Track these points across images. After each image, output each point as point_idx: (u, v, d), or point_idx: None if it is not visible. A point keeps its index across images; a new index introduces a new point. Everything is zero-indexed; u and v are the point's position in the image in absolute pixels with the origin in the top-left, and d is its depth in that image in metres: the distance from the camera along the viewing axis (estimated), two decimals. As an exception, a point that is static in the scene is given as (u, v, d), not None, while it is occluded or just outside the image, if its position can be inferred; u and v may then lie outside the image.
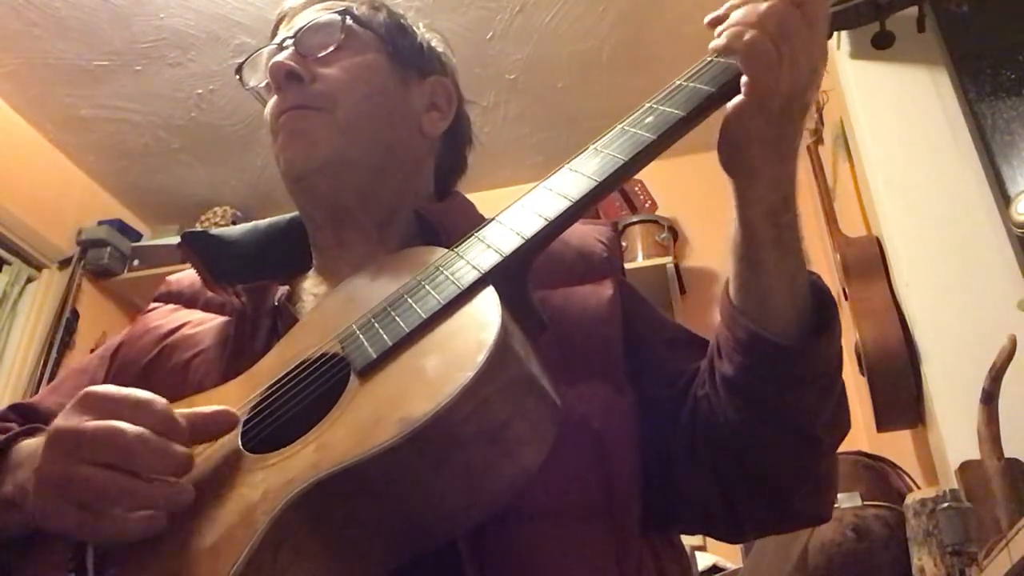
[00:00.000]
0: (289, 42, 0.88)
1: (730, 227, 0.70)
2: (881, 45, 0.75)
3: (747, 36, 0.63)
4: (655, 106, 0.69)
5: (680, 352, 0.81)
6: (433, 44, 0.98)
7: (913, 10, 0.75)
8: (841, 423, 0.73)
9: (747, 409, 0.69)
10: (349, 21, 0.88)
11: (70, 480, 0.57)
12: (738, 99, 0.65)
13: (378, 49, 0.90)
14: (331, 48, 0.87)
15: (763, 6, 0.64)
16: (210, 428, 0.62)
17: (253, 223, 0.96)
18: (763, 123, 0.64)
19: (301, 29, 0.88)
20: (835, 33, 2.03)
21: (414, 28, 0.96)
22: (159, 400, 0.60)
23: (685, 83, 0.69)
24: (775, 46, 0.62)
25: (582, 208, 0.66)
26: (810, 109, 0.66)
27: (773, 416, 0.68)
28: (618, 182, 0.67)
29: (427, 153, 0.94)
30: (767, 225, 0.66)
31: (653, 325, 0.85)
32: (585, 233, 0.88)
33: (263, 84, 0.92)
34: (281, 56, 0.86)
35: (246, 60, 0.94)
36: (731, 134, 0.66)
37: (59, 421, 0.60)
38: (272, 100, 0.88)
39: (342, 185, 0.85)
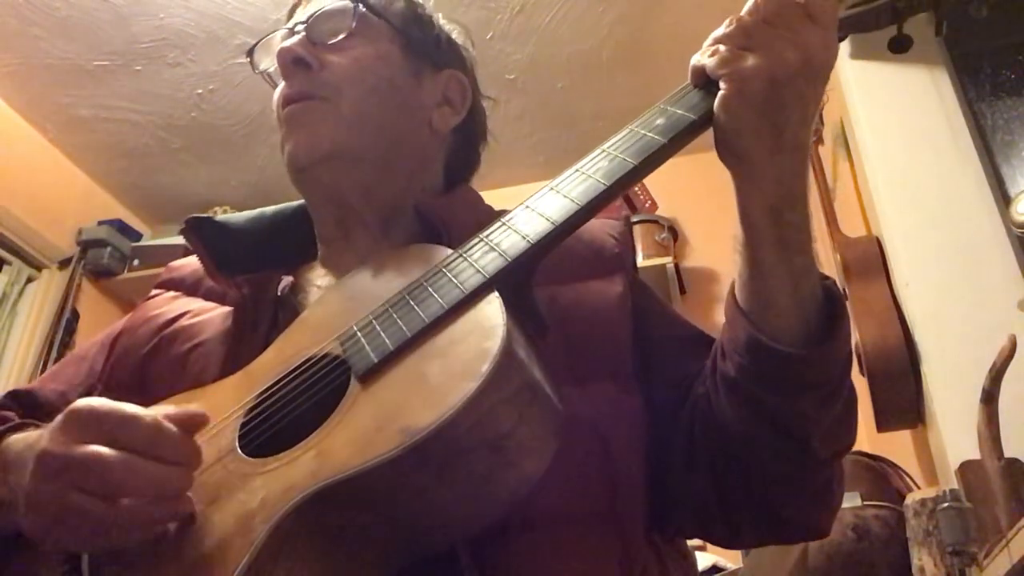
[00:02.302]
0: (301, 27, 0.86)
1: (734, 224, 0.68)
2: (899, 49, 0.72)
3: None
4: (667, 108, 0.67)
5: (688, 351, 0.79)
6: (453, 36, 0.95)
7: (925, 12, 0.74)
8: (842, 436, 0.70)
9: (744, 411, 0.67)
10: (362, 9, 0.86)
11: (61, 508, 0.56)
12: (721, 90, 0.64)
13: (391, 39, 0.88)
14: (341, 36, 0.85)
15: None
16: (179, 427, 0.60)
17: (259, 210, 0.94)
18: (749, 113, 0.62)
19: (313, 15, 0.86)
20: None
21: (432, 19, 0.93)
22: (148, 416, 0.58)
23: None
24: (732, 39, 0.63)
25: (589, 212, 0.64)
26: (809, 100, 0.63)
27: (768, 421, 0.66)
28: (627, 186, 0.65)
29: (436, 149, 0.92)
30: (768, 223, 0.64)
31: (663, 323, 0.83)
32: (596, 227, 0.86)
33: (273, 68, 0.89)
34: (290, 42, 0.85)
35: (258, 43, 0.92)
36: (722, 126, 0.64)
37: (47, 443, 0.58)
38: (279, 88, 0.87)
39: (344, 178, 0.84)
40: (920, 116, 1.97)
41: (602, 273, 0.81)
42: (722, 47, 0.63)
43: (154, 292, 0.93)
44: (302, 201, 0.93)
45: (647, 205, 3.00)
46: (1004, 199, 1.81)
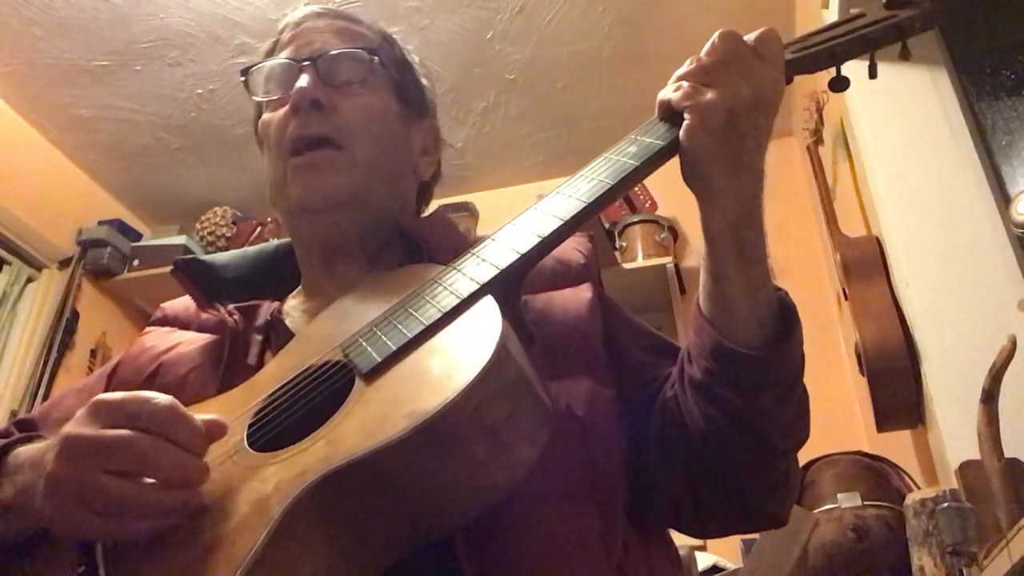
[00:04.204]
0: (308, 65, 0.89)
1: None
2: (837, 88, 0.80)
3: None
4: (637, 137, 0.75)
5: (655, 357, 0.85)
6: (424, 81, 1.00)
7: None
8: (797, 430, 0.76)
9: (710, 410, 0.73)
10: (376, 60, 0.91)
11: (84, 487, 0.58)
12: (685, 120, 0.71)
13: (391, 89, 0.93)
14: (355, 84, 0.90)
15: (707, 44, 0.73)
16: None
17: (241, 250, 1.00)
18: (710, 140, 0.69)
19: (324, 55, 0.89)
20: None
21: (415, 66, 0.99)
22: (169, 402, 0.61)
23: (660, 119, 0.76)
24: (693, 76, 0.71)
25: (573, 227, 0.70)
26: (762, 129, 0.70)
27: (732, 418, 0.72)
28: (605, 204, 0.72)
29: (414, 192, 0.98)
30: (728, 239, 0.70)
31: (630, 331, 0.88)
32: (564, 243, 0.90)
33: (273, 98, 0.92)
34: (306, 82, 0.87)
35: (253, 67, 0.94)
36: (685, 151, 0.71)
37: (72, 427, 0.61)
38: (276, 116, 0.89)
39: (349, 222, 0.88)
40: (920, 116, 1.97)
41: (570, 282, 0.87)
42: (685, 83, 0.71)
43: (148, 329, 0.97)
44: (280, 241, 0.99)
45: (647, 205, 3.01)
46: (1004, 199, 1.81)
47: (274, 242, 1.00)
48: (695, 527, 0.81)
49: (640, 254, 2.80)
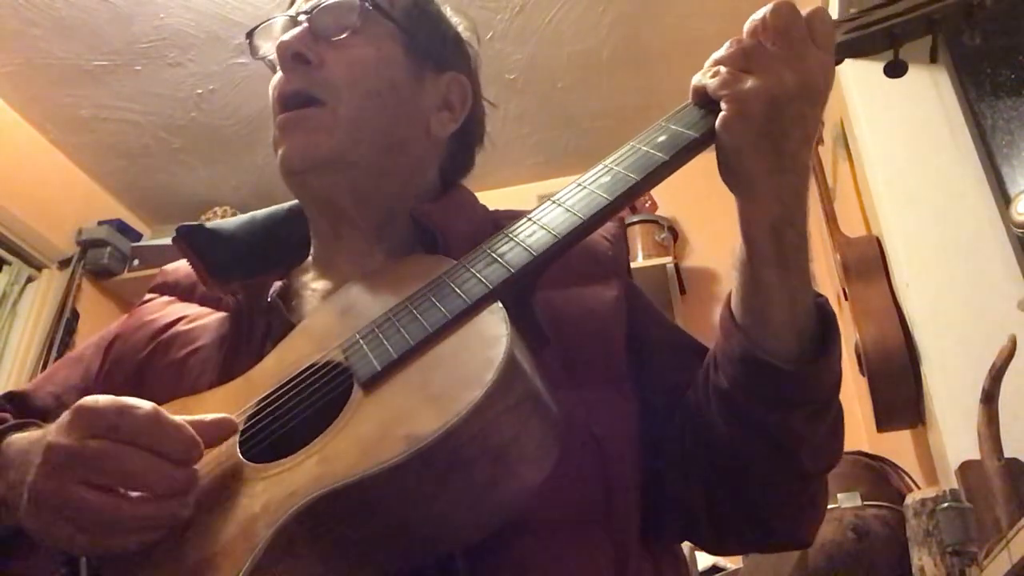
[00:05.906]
0: (303, 18, 0.83)
1: (733, 231, 0.68)
2: (895, 74, 0.73)
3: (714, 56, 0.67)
4: (669, 125, 0.68)
5: (681, 359, 0.79)
6: (459, 31, 0.93)
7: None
8: (830, 452, 0.71)
9: (735, 423, 0.68)
10: (368, 6, 0.83)
11: (65, 501, 0.56)
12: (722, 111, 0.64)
13: (395, 39, 0.85)
14: (345, 34, 0.82)
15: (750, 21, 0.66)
16: (209, 436, 0.60)
17: (251, 215, 0.92)
18: (750, 133, 0.63)
19: (317, 6, 0.83)
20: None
21: (439, 15, 0.91)
22: (151, 410, 0.58)
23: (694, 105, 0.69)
24: (732, 61, 0.64)
25: (592, 226, 0.65)
26: (809, 121, 0.64)
27: (759, 434, 0.67)
28: (629, 200, 0.66)
29: (432, 153, 0.90)
30: (769, 241, 0.64)
31: (657, 329, 0.83)
32: None
33: (273, 56, 0.85)
34: (291, 34, 0.82)
35: (257, 28, 0.89)
36: (723, 146, 0.65)
37: (54, 436, 0.58)
38: (276, 77, 0.85)
39: (337, 185, 0.82)
40: (920, 116, 1.97)
41: (597, 278, 0.81)
42: (723, 68, 0.64)
43: (148, 296, 0.92)
44: (295, 202, 0.92)
45: (647, 205, 3.00)
46: (1004, 199, 1.81)
47: (287, 204, 0.92)
48: (711, 544, 0.77)
49: (640, 254, 2.80)
